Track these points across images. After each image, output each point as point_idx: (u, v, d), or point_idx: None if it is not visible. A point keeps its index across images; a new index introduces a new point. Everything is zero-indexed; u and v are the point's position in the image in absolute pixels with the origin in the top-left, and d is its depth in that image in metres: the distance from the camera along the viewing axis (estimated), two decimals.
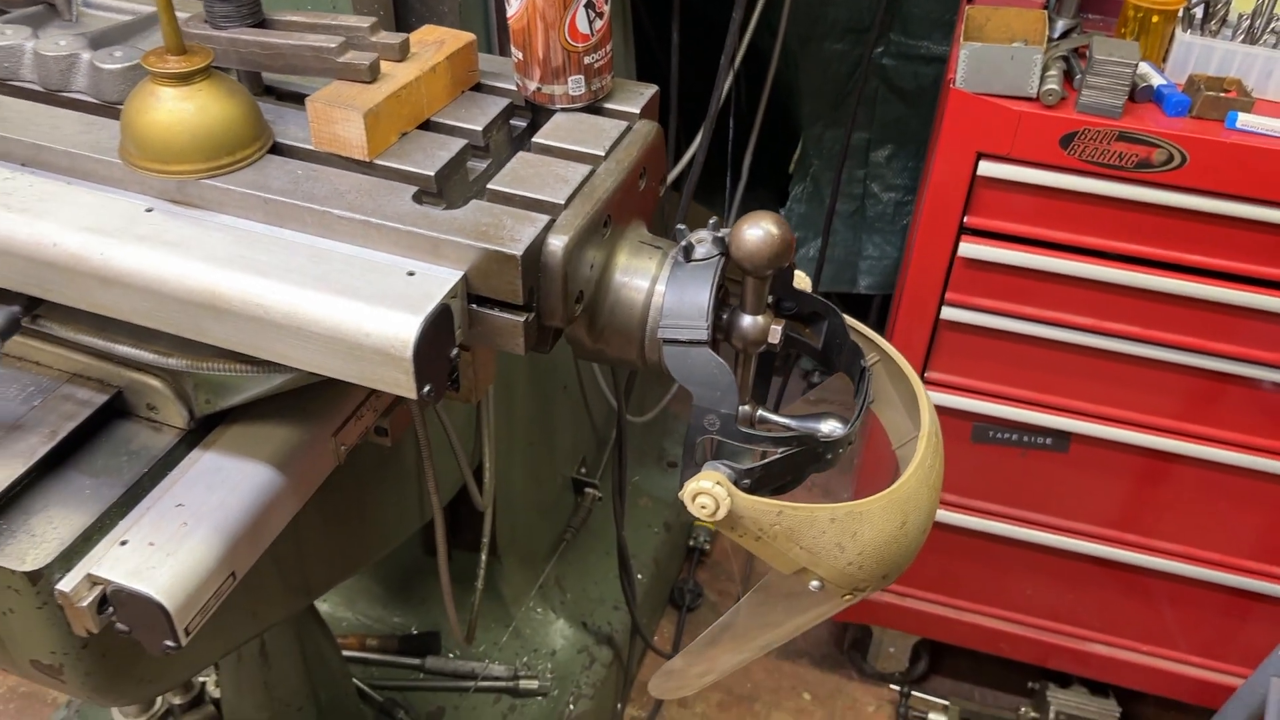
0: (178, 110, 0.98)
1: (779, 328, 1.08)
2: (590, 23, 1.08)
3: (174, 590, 0.99)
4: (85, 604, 0.98)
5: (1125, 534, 2.02)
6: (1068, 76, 1.60)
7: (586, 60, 1.10)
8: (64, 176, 1.04)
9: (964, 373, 1.85)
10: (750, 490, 1.02)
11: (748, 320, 1.07)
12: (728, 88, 2.10)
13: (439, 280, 0.94)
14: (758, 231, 1.02)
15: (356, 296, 0.92)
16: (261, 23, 1.10)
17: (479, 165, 1.10)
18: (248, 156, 1.02)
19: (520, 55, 1.10)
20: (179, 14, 1.16)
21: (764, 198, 2.68)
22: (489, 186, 1.01)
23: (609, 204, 1.04)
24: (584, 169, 1.04)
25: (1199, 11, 1.62)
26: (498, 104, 1.13)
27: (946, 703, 2.32)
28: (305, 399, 1.16)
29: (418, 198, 1.00)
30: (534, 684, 2.12)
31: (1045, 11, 1.63)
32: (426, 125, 1.10)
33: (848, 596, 1.08)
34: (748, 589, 2.55)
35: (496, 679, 2.12)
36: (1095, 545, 2.04)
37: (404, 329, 0.89)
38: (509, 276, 0.95)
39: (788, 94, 2.51)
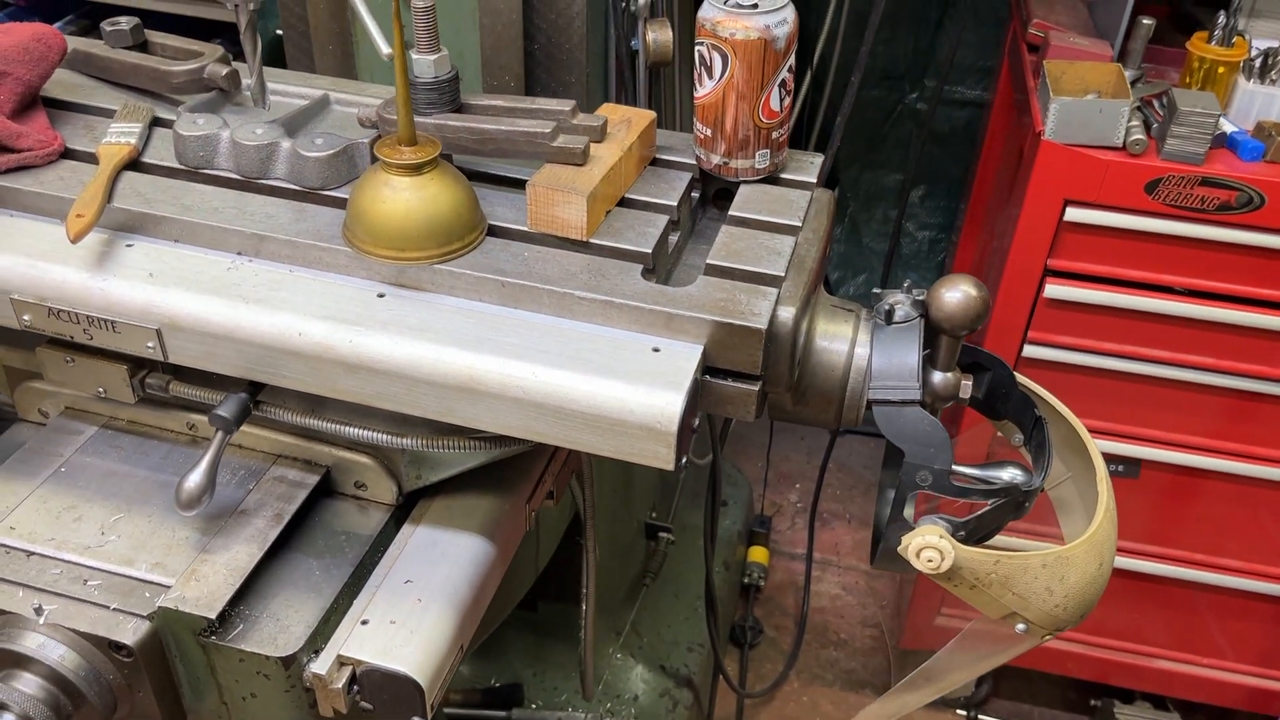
0: (413, 199, 1.01)
1: (969, 383, 1.14)
2: (781, 100, 1.13)
3: (424, 667, 1.01)
4: (339, 685, 1.00)
5: (1189, 552, 2.11)
6: (1145, 126, 1.70)
7: (774, 135, 1.15)
8: (285, 264, 1.07)
9: None
10: (964, 541, 1.07)
11: (939, 377, 1.12)
12: None
13: (684, 355, 0.98)
14: (957, 294, 1.08)
15: (615, 375, 0.96)
16: (459, 108, 1.14)
17: (673, 237, 1.15)
18: (474, 240, 1.06)
19: (707, 131, 1.15)
20: (369, 99, 1.20)
21: None
22: (710, 261, 1.05)
23: (816, 272, 1.10)
24: (788, 240, 1.09)
25: (1258, 62, 1.72)
26: (682, 178, 1.18)
27: None
28: (501, 469, 1.19)
29: (644, 275, 1.04)
30: None
31: (1120, 65, 1.72)
32: (623, 202, 1.14)
33: (1048, 636, 1.13)
34: (804, 623, 2.61)
35: None
36: (1158, 564, 2.13)
37: (669, 406, 0.93)
38: (750, 349, 0.99)
39: (823, 138, 2.59)
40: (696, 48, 1.12)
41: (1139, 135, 1.64)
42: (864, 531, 2.91)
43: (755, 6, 1.10)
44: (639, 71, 1.55)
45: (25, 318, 1.07)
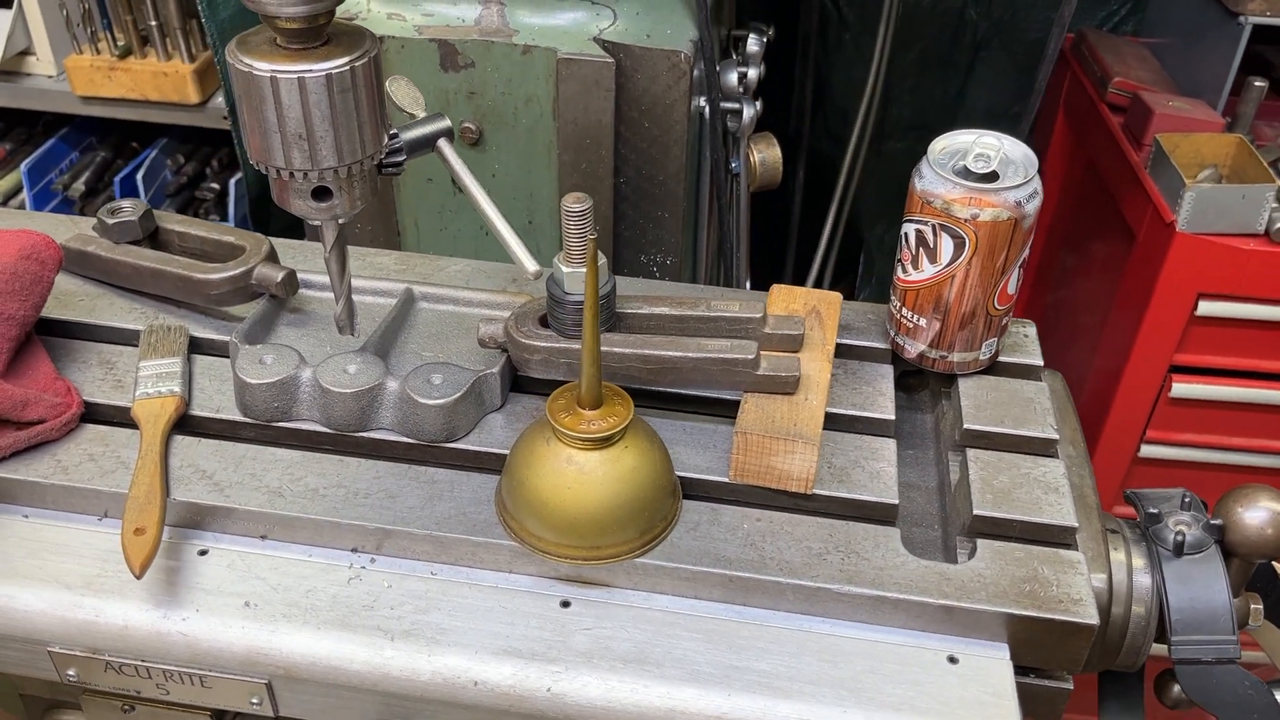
0: (607, 479, 0.76)
1: (1259, 607, 0.93)
2: (1018, 281, 0.91)
3: None
4: None
5: None
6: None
7: (1003, 322, 0.92)
8: (422, 563, 0.80)
9: None
10: None
11: None
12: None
13: (993, 669, 0.75)
14: (1261, 514, 0.88)
15: (918, 711, 0.72)
16: (615, 323, 0.88)
17: None
18: (676, 514, 0.81)
19: (918, 320, 0.92)
20: (454, 289, 0.95)
21: None
22: (979, 513, 0.82)
23: (1099, 505, 0.88)
24: (1056, 466, 0.87)
25: None
26: (882, 375, 0.95)
27: None
28: None
29: (908, 544, 0.81)
30: None
31: (1241, 138, 1.54)
32: (828, 419, 0.90)
33: None
34: None
35: None
36: None
37: None
38: (1074, 647, 0.76)
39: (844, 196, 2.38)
40: (913, 226, 0.88)
41: None
42: None
43: (995, 177, 0.87)
44: (740, 199, 1.31)
45: (70, 673, 0.78)
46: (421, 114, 0.85)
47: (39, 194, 1.91)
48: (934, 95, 2.29)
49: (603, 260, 0.85)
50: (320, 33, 0.73)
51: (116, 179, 1.87)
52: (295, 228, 1.63)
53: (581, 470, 0.75)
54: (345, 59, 0.72)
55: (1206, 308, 1.53)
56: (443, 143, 0.85)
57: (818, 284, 2.35)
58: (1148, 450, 1.69)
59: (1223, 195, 1.46)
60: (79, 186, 1.91)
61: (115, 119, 1.87)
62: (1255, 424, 1.65)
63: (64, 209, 1.95)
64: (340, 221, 0.81)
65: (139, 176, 1.87)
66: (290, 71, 0.71)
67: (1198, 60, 1.75)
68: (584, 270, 0.84)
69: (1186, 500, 0.91)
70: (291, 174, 0.75)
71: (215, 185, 1.93)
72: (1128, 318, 1.62)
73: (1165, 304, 1.54)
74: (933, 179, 0.86)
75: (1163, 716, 1.06)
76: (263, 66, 0.71)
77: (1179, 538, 0.88)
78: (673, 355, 0.84)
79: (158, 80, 1.74)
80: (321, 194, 0.77)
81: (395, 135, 0.82)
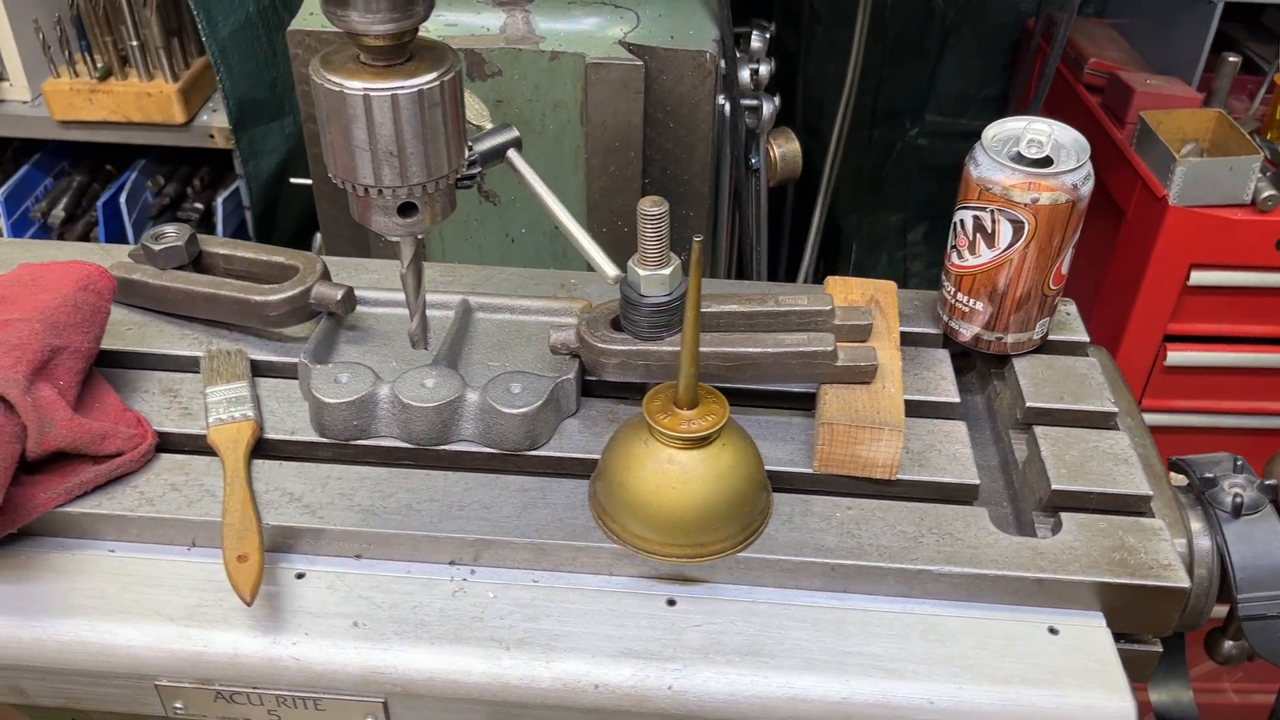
0: (708, 478, 0.77)
1: None
2: (1070, 261, 0.93)
3: None
4: None
5: None
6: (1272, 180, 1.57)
7: (1055, 301, 0.95)
8: (523, 571, 0.81)
9: None
10: None
11: None
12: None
13: (1090, 633, 0.78)
14: None
15: (1029, 682, 0.74)
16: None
17: None
18: (769, 507, 0.82)
19: (974, 304, 0.94)
20: (502, 297, 0.95)
21: None
22: (1058, 487, 0.84)
23: (1167, 473, 0.91)
24: (1121, 439, 0.90)
25: None
26: (940, 359, 0.97)
27: None
28: None
29: (996, 520, 0.83)
30: None
31: (1222, 113, 1.60)
32: None
33: None
34: None
35: None
36: None
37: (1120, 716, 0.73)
38: (1166, 610, 0.79)
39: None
40: (969, 212, 0.91)
41: (1271, 191, 1.51)
42: None
43: (1049, 162, 0.89)
44: (760, 194, 1.32)
45: (176, 705, 0.78)
46: (489, 125, 0.86)
47: (17, 223, 1.86)
48: (905, 84, 2.33)
49: (677, 261, 0.87)
50: (405, 49, 0.73)
51: (98, 203, 1.83)
52: (297, 243, 1.62)
53: (684, 470, 0.77)
54: (434, 74, 0.72)
55: (1198, 277, 1.59)
56: (512, 153, 0.85)
57: (806, 274, 2.38)
58: (1144, 419, 1.75)
59: (1211, 168, 1.51)
60: (59, 213, 1.87)
61: (90, 142, 1.83)
62: (1248, 387, 1.71)
63: (42, 236, 1.90)
64: (420, 237, 0.82)
65: (121, 199, 1.83)
66: (383, 89, 0.71)
67: (1168, 39, 1.81)
68: (661, 273, 0.85)
69: (1238, 464, 0.95)
70: (380, 191, 0.75)
71: (199, 205, 1.90)
72: (1121, 292, 1.67)
73: (1159, 276, 1.59)
74: (990, 166, 0.89)
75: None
76: (354, 85, 0.71)
77: (1237, 499, 0.92)
78: (754, 351, 0.86)
79: (141, 101, 1.70)
80: (407, 210, 0.77)
81: (470, 148, 0.82)
